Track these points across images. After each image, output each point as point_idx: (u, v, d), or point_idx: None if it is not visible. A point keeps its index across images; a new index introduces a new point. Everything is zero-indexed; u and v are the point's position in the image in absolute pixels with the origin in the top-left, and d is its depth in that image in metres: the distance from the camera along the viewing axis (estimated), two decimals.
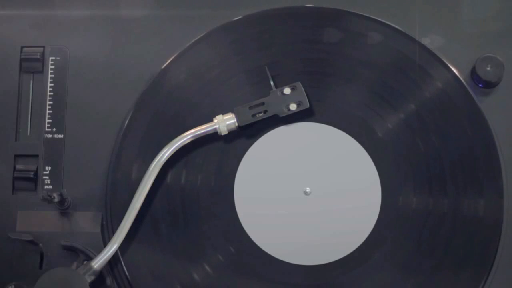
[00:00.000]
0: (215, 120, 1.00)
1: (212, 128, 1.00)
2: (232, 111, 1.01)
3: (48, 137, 1.03)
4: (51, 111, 1.03)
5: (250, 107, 1.01)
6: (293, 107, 1.01)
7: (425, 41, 1.04)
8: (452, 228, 0.98)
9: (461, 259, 0.98)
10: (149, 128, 1.02)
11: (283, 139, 1.02)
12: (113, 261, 0.98)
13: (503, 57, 1.02)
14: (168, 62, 1.04)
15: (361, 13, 1.05)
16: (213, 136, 1.01)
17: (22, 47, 1.05)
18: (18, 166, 1.02)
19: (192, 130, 1.00)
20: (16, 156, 1.02)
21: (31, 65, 1.04)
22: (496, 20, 1.05)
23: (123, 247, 0.98)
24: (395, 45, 1.03)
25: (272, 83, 1.01)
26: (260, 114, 1.01)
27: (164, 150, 0.99)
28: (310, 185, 1.01)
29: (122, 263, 0.99)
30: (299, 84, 1.01)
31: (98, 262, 0.96)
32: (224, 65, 1.04)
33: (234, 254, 0.99)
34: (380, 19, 1.04)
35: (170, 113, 1.02)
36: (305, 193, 1.00)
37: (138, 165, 1.00)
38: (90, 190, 1.01)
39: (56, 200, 0.98)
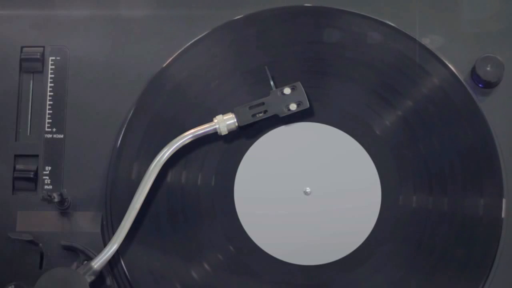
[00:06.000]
0: (215, 120, 1.00)
1: (212, 128, 1.00)
2: (232, 111, 1.01)
3: (48, 137, 1.03)
4: (51, 111, 1.03)
5: (250, 107, 1.01)
6: (293, 107, 1.01)
7: (425, 41, 1.04)
8: (452, 228, 0.98)
9: (461, 259, 0.98)
10: (149, 128, 1.02)
11: (283, 139, 1.02)
12: (113, 261, 0.98)
13: (503, 57, 1.02)
14: (168, 62, 1.04)
15: (361, 13, 1.05)
16: (213, 136, 1.01)
17: (22, 47, 1.05)
18: (18, 166, 1.02)
19: (192, 130, 1.00)
20: (16, 156, 1.02)
21: (31, 65, 1.04)
22: (496, 20, 1.05)
23: (123, 247, 0.98)
24: (395, 45, 1.03)
25: (272, 83, 1.01)
26: (260, 114, 1.01)
27: (164, 150, 0.99)
28: (310, 185, 1.01)
29: (122, 263, 0.99)
30: (299, 84, 1.01)
31: (98, 262, 0.96)
32: (224, 65, 1.04)
33: (234, 254, 0.99)
34: (380, 19, 1.04)
35: (170, 113, 1.02)
36: (305, 193, 1.00)
37: (138, 165, 1.00)
38: (90, 190, 1.01)
39: (56, 200, 0.98)
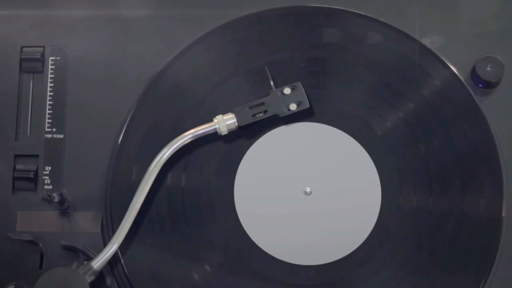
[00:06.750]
0: (215, 120, 1.00)
1: (212, 128, 1.00)
2: (232, 111, 1.00)
3: (48, 137, 1.03)
4: (51, 111, 1.03)
5: (250, 107, 1.01)
6: (293, 107, 1.01)
7: (425, 41, 1.04)
8: (452, 228, 0.98)
9: (461, 259, 0.98)
10: (149, 128, 1.02)
11: (283, 139, 1.02)
12: (113, 261, 0.98)
13: (503, 57, 1.02)
14: (168, 62, 1.04)
15: (361, 13, 1.05)
16: (213, 136, 1.01)
17: (22, 47, 1.05)
18: (18, 166, 1.02)
19: (192, 130, 1.00)
20: (16, 156, 1.02)
21: (31, 65, 1.04)
22: (496, 20, 1.05)
23: (123, 247, 0.98)
24: (395, 45, 1.03)
25: (272, 83, 1.01)
26: (260, 114, 1.01)
27: (164, 150, 0.99)
28: (310, 185, 1.01)
29: (122, 263, 0.99)
30: (299, 84, 1.01)
31: (98, 262, 0.96)
32: (224, 65, 1.04)
33: (234, 254, 0.99)
34: (380, 19, 1.04)
35: (170, 113, 1.02)
36: (305, 193, 1.00)
37: (138, 165, 1.00)
38: (90, 190, 1.01)
39: (56, 200, 0.98)
